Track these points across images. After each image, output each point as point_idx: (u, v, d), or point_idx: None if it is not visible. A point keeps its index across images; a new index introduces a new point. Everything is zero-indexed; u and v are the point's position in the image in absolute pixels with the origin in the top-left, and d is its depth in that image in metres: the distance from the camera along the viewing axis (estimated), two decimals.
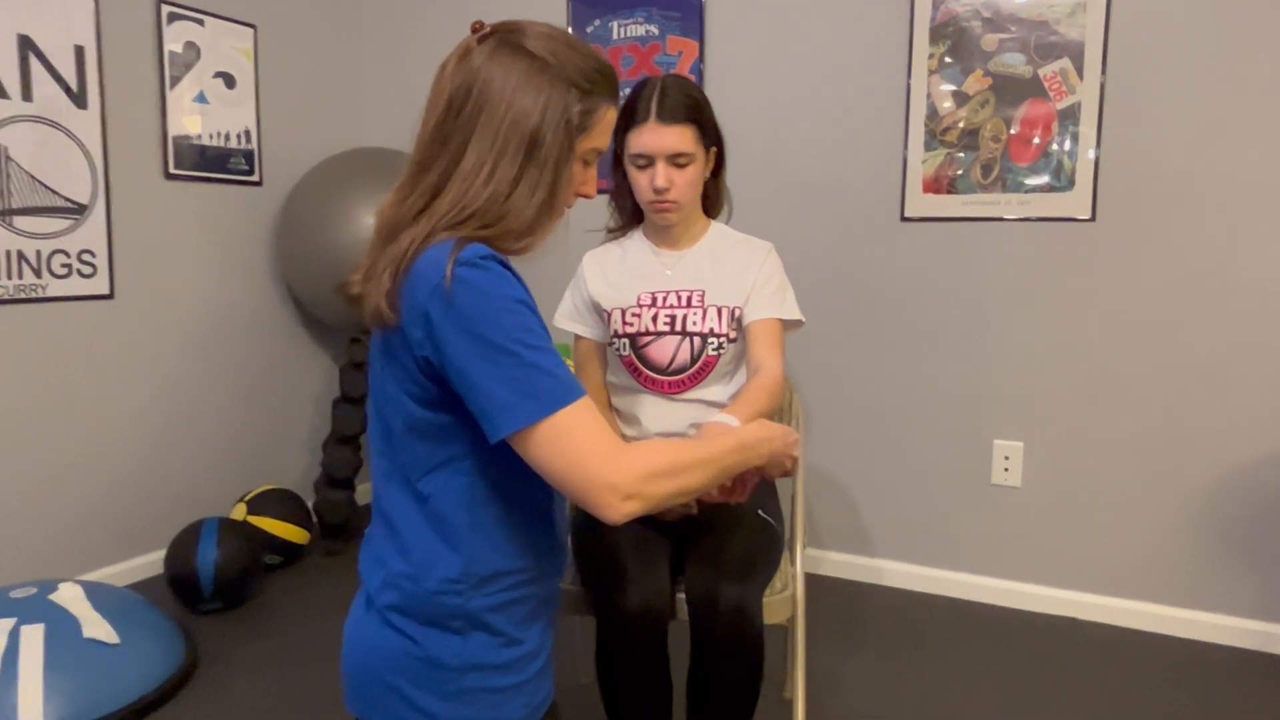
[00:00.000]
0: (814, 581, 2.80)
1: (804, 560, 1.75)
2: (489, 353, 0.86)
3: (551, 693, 1.05)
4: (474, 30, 0.98)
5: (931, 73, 2.56)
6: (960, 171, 2.55)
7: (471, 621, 0.95)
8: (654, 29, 2.92)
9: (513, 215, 0.94)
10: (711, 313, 1.65)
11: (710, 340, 1.65)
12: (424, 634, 0.94)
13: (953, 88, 2.54)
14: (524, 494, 0.98)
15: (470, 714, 0.96)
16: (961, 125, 2.54)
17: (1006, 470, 2.59)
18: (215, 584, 2.41)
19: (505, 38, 0.96)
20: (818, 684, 2.13)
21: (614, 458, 0.87)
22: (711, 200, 1.76)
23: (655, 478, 0.89)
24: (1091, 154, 2.41)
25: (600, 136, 1.01)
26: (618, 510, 0.87)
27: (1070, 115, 2.42)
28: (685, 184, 1.60)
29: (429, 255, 0.89)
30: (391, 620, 0.96)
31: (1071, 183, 2.44)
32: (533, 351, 0.87)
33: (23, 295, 2.36)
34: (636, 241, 1.75)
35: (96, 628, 1.94)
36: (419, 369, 0.91)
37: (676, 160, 1.58)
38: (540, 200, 0.96)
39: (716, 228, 1.75)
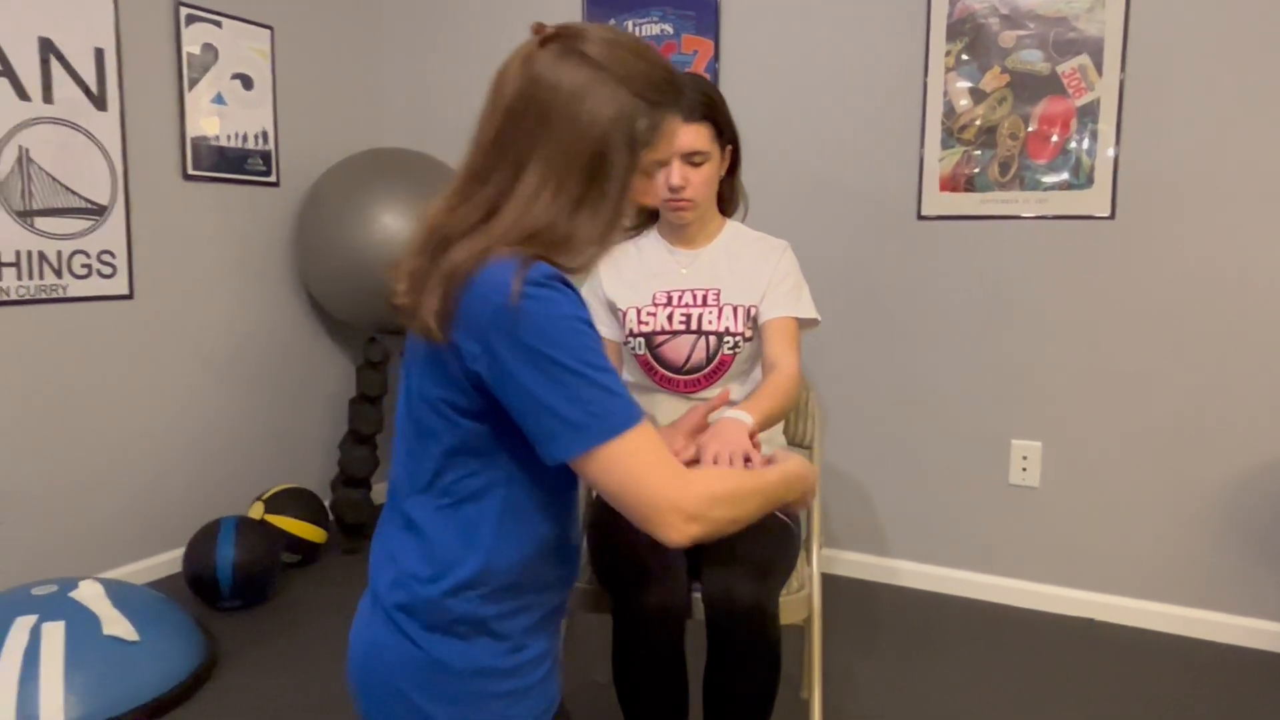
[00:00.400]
0: (828, 581, 2.79)
1: (819, 560, 1.74)
2: (557, 373, 0.85)
3: (558, 696, 1.04)
4: (535, 32, 0.95)
5: (948, 70, 2.55)
6: (977, 169, 2.54)
7: (478, 627, 0.94)
8: (669, 28, 2.92)
9: (576, 237, 0.92)
10: (727, 311, 1.65)
11: (726, 339, 1.64)
12: (429, 638, 0.94)
13: (970, 85, 2.53)
14: (550, 507, 0.98)
15: (476, 719, 0.95)
16: (979, 123, 2.53)
17: (1024, 470, 2.57)
18: (234, 582, 2.42)
19: (569, 44, 0.93)
20: (833, 684, 2.12)
21: (680, 480, 0.87)
22: (726, 199, 1.75)
23: (717, 503, 0.89)
24: (1111, 151, 2.39)
25: (664, 147, 0.98)
26: (681, 532, 0.87)
27: (1089, 112, 2.40)
28: (701, 182, 1.60)
29: (490, 273, 0.87)
30: (398, 621, 0.95)
31: (1090, 180, 2.42)
32: (599, 373, 0.86)
33: (44, 295, 2.39)
34: (652, 240, 1.75)
35: (116, 625, 1.96)
36: (469, 382, 0.90)
37: (692, 159, 1.58)
38: (604, 220, 0.94)
39: (732, 226, 1.74)
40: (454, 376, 0.90)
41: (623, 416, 0.86)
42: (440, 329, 0.88)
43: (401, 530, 0.97)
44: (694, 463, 1.53)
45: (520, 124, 0.91)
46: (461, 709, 0.94)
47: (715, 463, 1.32)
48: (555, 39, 0.94)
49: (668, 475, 0.87)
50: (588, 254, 0.95)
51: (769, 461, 1.16)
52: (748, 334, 1.65)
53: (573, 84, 0.91)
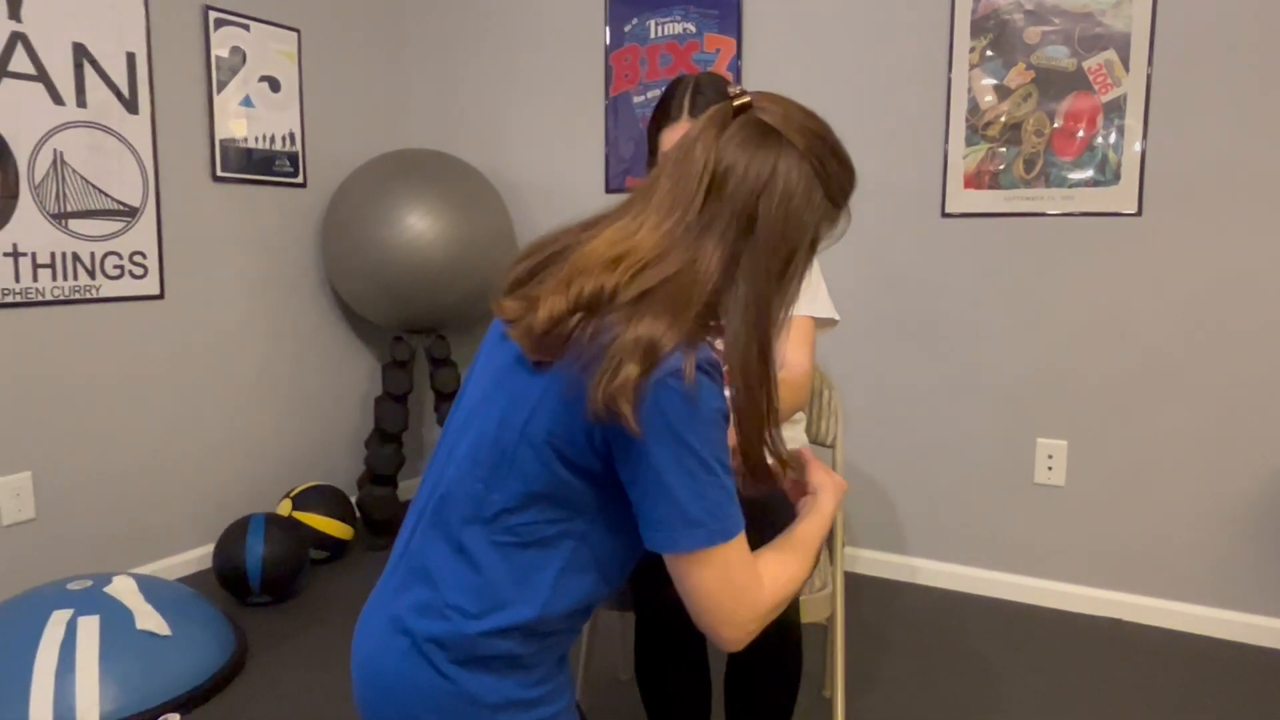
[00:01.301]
0: (850, 580, 2.79)
1: (842, 559, 1.74)
2: (692, 465, 0.83)
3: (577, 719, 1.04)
4: (732, 98, 0.93)
5: (973, 66, 2.53)
6: (1002, 166, 2.52)
7: (512, 663, 0.92)
8: (691, 26, 2.92)
9: (750, 339, 0.90)
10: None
11: None
12: (459, 671, 0.90)
13: (994, 81, 2.51)
14: (613, 567, 0.96)
15: None
16: (1003, 119, 2.51)
17: (1050, 469, 2.55)
18: (263, 578, 2.46)
19: (770, 125, 0.90)
20: (856, 683, 2.12)
21: (759, 595, 0.88)
22: None
23: (775, 609, 0.91)
24: (1137, 147, 2.37)
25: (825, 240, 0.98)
26: (741, 644, 0.89)
27: (1115, 108, 2.38)
28: None
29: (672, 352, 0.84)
30: (426, 652, 0.90)
31: (1117, 177, 2.40)
32: (727, 474, 0.86)
33: (77, 296, 2.43)
34: None
35: (149, 619, 2.00)
36: (591, 442, 0.86)
37: None
38: (780, 313, 0.92)
39: None
40: (577, 429, 0.86)
41: (734, 523, 0.86)
42: (629, 403, 0.81)
43: (451, 555, 0.92)
44: None
45: (728, 205, 0.88)
46: None
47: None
48: (749, 110, 0.92)
49: (752, 590, 0.87)
50: (743, 358, 0.90)
51: (800, 460, 1.13)
52: None
53: (789, 180, 0.89)
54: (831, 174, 0.92)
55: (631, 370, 0.81)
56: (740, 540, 0.87)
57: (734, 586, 0.86)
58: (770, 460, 0.96)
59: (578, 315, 0.86)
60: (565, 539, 0.91)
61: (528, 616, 0.90)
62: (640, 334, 0.82)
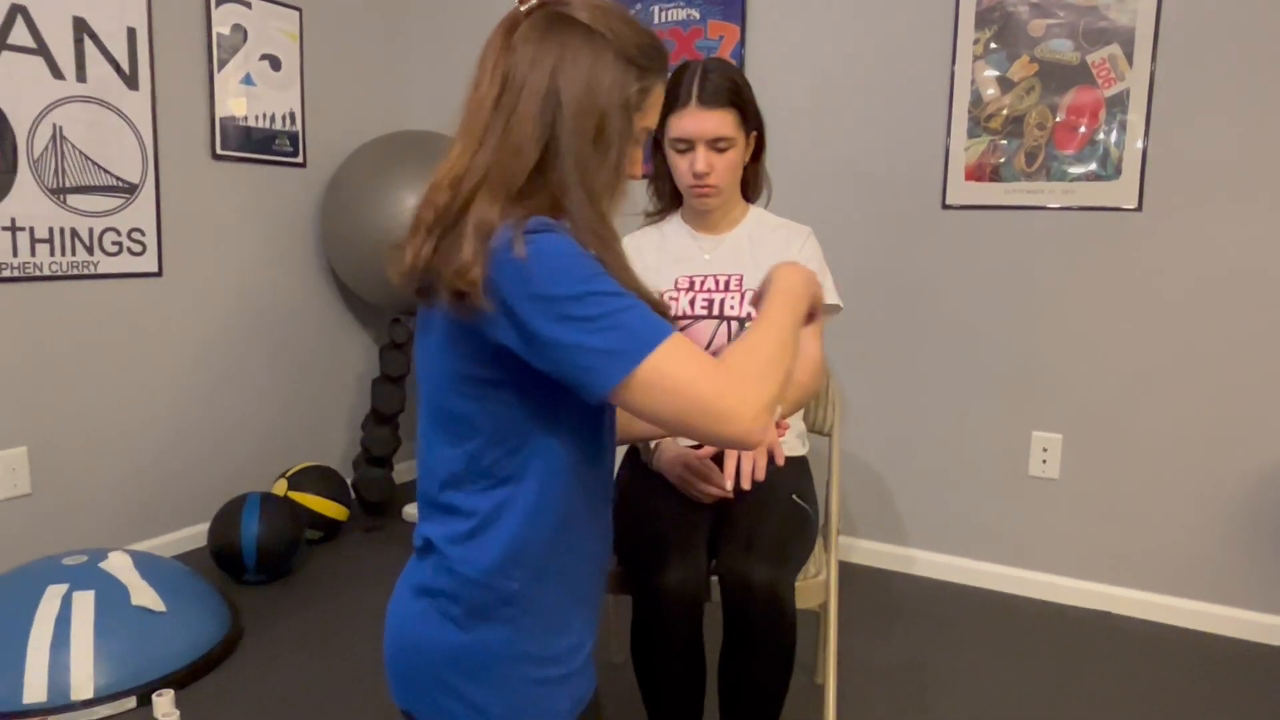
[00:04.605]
0: (845, 569, 2.80)
1: (836, 547, 1.75)
2: (573, 308, 0.82)
3: (594, 682, 1.05)
4: (521, 3, 0.96)
5: (976, 58, 2.53)
6: (1004, 159, 2.52)
7: (523, 609, 0.94)
8: (695, 13, 2.91)
9: (586, 201, 0.92)
10: (749, 297, 1.66)
11: (748, 325, 1.65)
12: (476, 624, 0.93)
13: (997, 74, 2.51)
14: (585, 483, 0.97)
15: (519, 706, 0.94)
16: (1006, 112, 2.51)
17: (1044, 462, 2.56)
18: (257, 557, 2.47)
19: (558, 11, 0.93)
20: (848, 670, 2.13)
21: (725, 377, 0.83)
22: (750, 184, 1.76)
23: (763, 377, 0.85)
24: (1139, 143, 2.37)
25: (651, 115, 0.99)
26: (757, 425, 0.82)
27: (1118, 103, 2.38)
28: (725, 168, 1.60)
29: (499, 235, 0.86)
30: (445, 609, 0.94)
31: (1118, 172, 2.40)
32: (615, 297, 0.84)
33: (75, 272, 2.43)
34: (675, 225, 1.76)
35: (144, 595, 2.00)
36: (493, 352, 0.89)
37: (717, 145, 1.58)
38: (607, 188, 0.95)
39: (755, 212, 1.75)
40: (477, 349, 0.89)
41: (651, 331, 0.83)
42: (473, 285, 0.84)
43: (447, 519, 0.96)
44: (717, 459, 1.55)
45: (526, 90, 0.91)
46: (506, 695, 0.94)
47: (739, 464, 1.36)
48: (541, 7, 0.95)
49: (715, 376, 0.82)
50: (590, 222, 0.93)
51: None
52: None
53: (574, 53, 0.92)
54: (621, 35, 0.94)
55: (467, 253, 0.85)
56: (672, 342, 0.83)
57: (692, 384, 0.82)
58: None
59: (433, 242, 0.90)
60: (534, 460, 0.93)
61: (521, 537, 0.93)
62: (471, 224, 0.87)
